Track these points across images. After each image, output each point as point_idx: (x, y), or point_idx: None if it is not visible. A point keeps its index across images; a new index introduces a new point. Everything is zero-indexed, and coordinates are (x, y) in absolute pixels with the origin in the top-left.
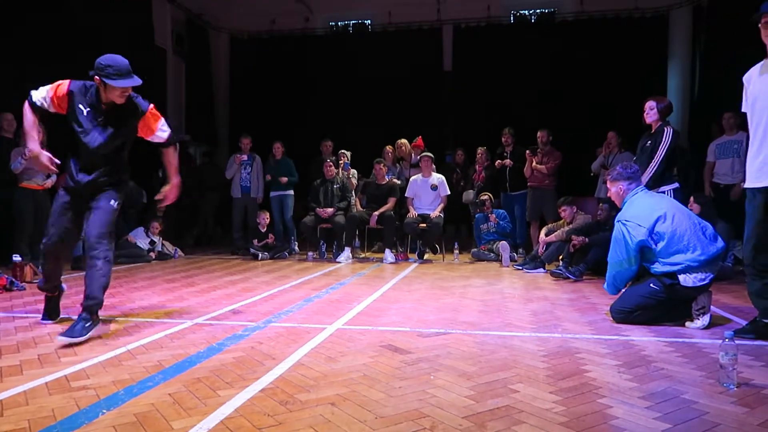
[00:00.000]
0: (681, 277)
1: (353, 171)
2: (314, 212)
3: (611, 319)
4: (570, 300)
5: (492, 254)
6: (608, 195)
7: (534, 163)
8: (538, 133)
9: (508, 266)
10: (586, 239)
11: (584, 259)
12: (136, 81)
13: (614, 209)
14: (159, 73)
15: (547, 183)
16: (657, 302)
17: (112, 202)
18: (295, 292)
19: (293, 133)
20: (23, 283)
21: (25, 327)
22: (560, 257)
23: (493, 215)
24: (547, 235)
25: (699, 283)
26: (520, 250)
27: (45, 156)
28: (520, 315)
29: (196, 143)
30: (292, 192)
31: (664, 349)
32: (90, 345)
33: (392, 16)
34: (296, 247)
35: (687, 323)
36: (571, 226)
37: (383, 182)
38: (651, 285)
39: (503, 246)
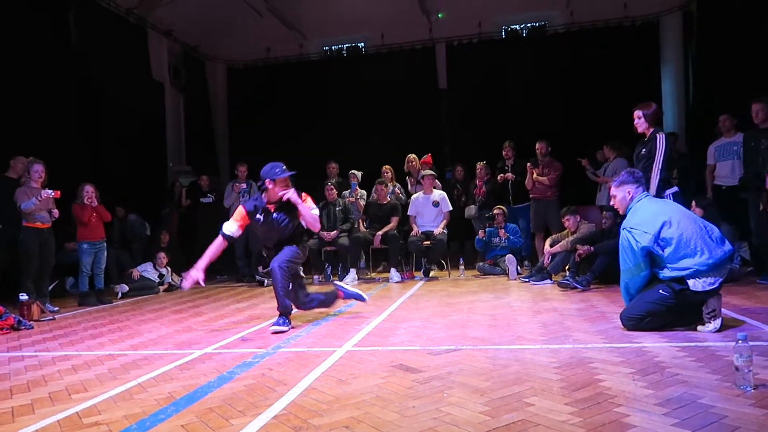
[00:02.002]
0: (690, 282)
1: (362, 192)
2: (317, 236)
3: (622, 326)
4: (579, 310)
5: (498, 268)
6: (611, 203)
7: (535, 175)
8: (537, 145)
9: (515, 279)
10: (592, 248)
11: (591, 268)
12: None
13: (619, 216)
14: (158, 107)
15: (550, 194)
16: (667, 308)
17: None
18: (303, 316)
19: (293, 158)
20: (31, 322)
21: (34, 366)
22: (566, 267)
23: (503, 230)
24: (551, 245)
25: (708, 287)
26: (526, 263)
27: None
28: (529, 328)
29: (193, 176)
30: None
31: (678, 355)
32: (100, 380)
33: (385, 37)
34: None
35: (699, 327)
36: (575, 235)
37: (385, 202)
38: (660, 291)
39: (510, 259)
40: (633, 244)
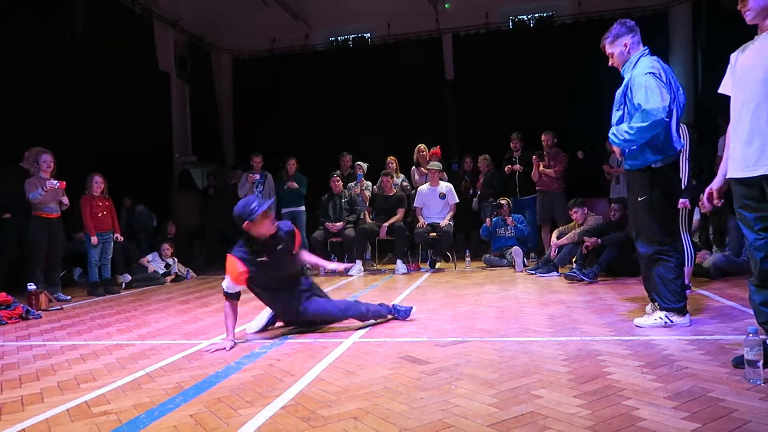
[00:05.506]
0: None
1: (367, 183)
2: (324, 227)
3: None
4: (586, 302)
5: (505, 260)
6: (609, 64)
7: (541, 167)
8: (543, 136)
9: (521, 271)
10: (599, 240)
11: (598, 261)
12: (269, 201)
13: (627, 208)
14: (164, 97)
15: (556, 186)
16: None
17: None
18: None
19: (299, 149)
20: (39, 311)
21: (43, 355)
22: (573, 260)
23: (511, 218)
24: (558, 238)
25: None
26: (532, 255)
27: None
28: (537, 320)
29: (201, 165)
30: (303, 208)
31: (686, 348)
32: (108, 369)
33: (391, 27)
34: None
35: (636, 319)
36: (582, 227)
37: (391, 194)
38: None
39: (516, 251)
40: (660, 87)
